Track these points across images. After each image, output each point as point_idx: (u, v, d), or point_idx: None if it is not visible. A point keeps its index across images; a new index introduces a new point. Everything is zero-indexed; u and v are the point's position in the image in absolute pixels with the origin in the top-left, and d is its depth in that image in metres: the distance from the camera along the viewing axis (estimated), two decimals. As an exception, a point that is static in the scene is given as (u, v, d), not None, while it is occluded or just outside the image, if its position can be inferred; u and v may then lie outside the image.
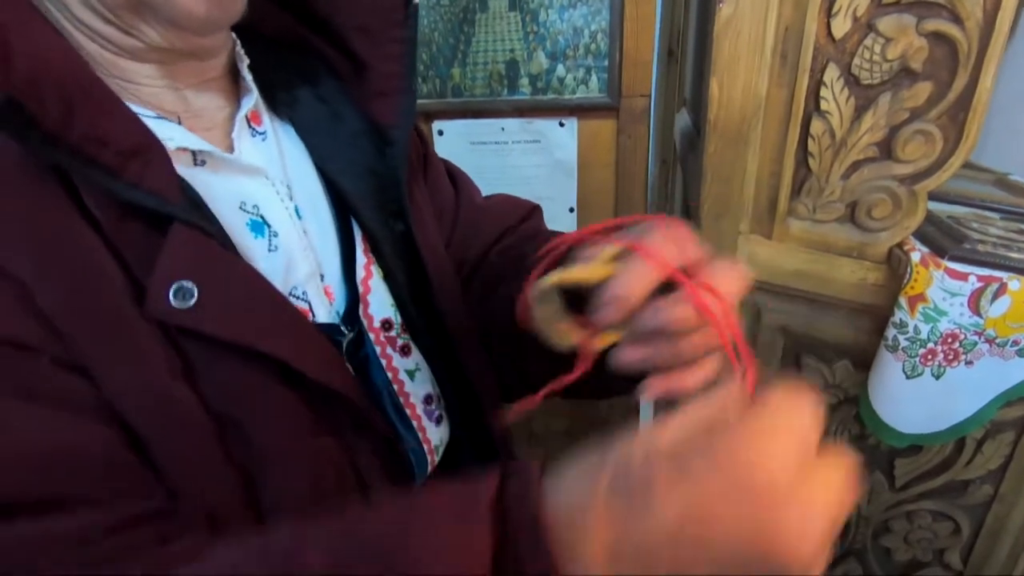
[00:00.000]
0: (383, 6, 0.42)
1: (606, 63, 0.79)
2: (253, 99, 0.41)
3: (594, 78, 0.80)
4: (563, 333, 0.31)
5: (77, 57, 0.31)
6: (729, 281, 0.28)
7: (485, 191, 0.60)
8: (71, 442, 0.29)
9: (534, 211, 0.59)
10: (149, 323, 0.30)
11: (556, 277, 0.30)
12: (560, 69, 0.81)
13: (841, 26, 0.54)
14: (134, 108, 0.34)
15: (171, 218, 0.31)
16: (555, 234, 0.56)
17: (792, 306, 0.66)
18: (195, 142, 0.36)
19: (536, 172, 0.88)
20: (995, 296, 0.55)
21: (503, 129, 0.86)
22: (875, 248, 0.61)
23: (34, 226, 0.29)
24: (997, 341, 0.57)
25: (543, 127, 0.86)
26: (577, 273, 0.30)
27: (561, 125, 0.85)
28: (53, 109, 0.28)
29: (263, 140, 0.41)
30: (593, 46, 0.78)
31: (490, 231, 0.55)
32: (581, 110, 0.83)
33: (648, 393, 0.30)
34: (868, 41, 0.54)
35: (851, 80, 0.56)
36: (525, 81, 0.82)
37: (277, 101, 0.43)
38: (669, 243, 0.28)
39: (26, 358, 0.29)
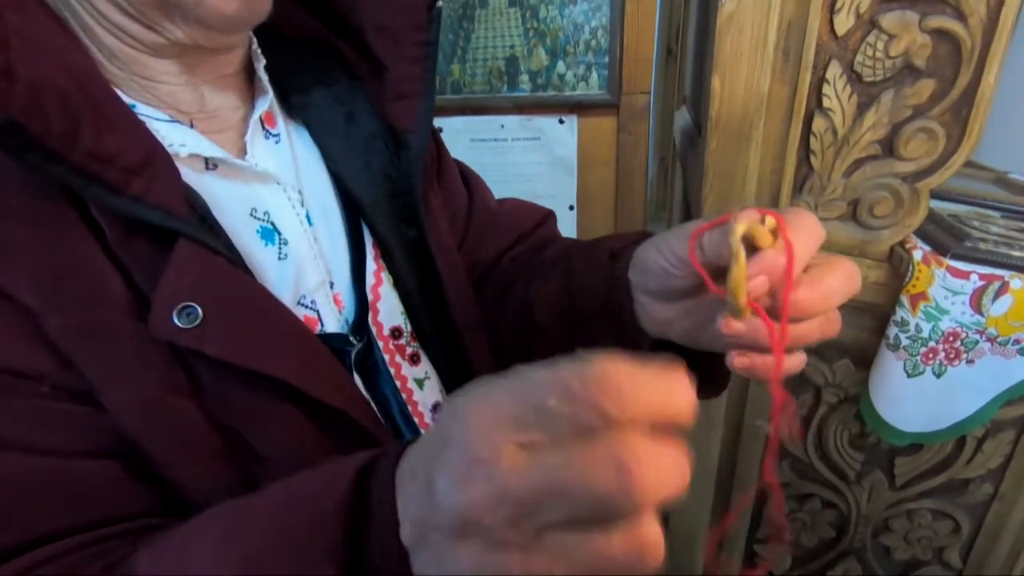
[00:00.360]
0: (406, 7, 0.42)
1: (606, 60, 0.78)
2: (268, 100, 0.40)
3: (594, 75, 0.80)
4: (743, 295, 0.27)
5: (86, 62, 0.31)
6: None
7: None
8: (65, 476, 0.29)
9: (548, 217, 0.58)
10: (154, 339, 0.30)
11: (748, 227, 0.27)
12: (560, 66, 0.80)
13: (844, 23, 0.54)
14: (148, 110, 0.34)
15: (177, 233, 0.30)
16: (569, 240, 0.55)
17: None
18: (208, 148, 0.35)
19: (536, 169, 0.87)
20: (997, 295, 0.55)
21: (503, 126, 0.86)
22: (877, 246, 0.61)
23: (38, 249, 0.29)
24: (999, 340, 0.57)
25: (543, 124, 0.85)
26: (760, 231, 0.27)
27: (561, 122, 0.85)
28: (56, 126, 0.27)
29: (276, 143, 0.41)
30: (593, 42, 0.77)
31: (503, 237, 0.55)
32: (581, 107, 0.83)
33: (737, 363, 0.29)
34: (871, 38, 0.54)
35: (853, 77, 0.56)
36: (525, 78, 0.82)
37: (291, 102, 0.42)
38: (805, 238, 0.28)
39: (25, 386, 0.29)
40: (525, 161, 0.87)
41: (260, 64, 0.40)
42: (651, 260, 0.35)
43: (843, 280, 0.28)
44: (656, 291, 0.36)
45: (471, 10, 0.79)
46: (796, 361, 0.29)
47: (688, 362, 0.33)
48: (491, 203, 0.57)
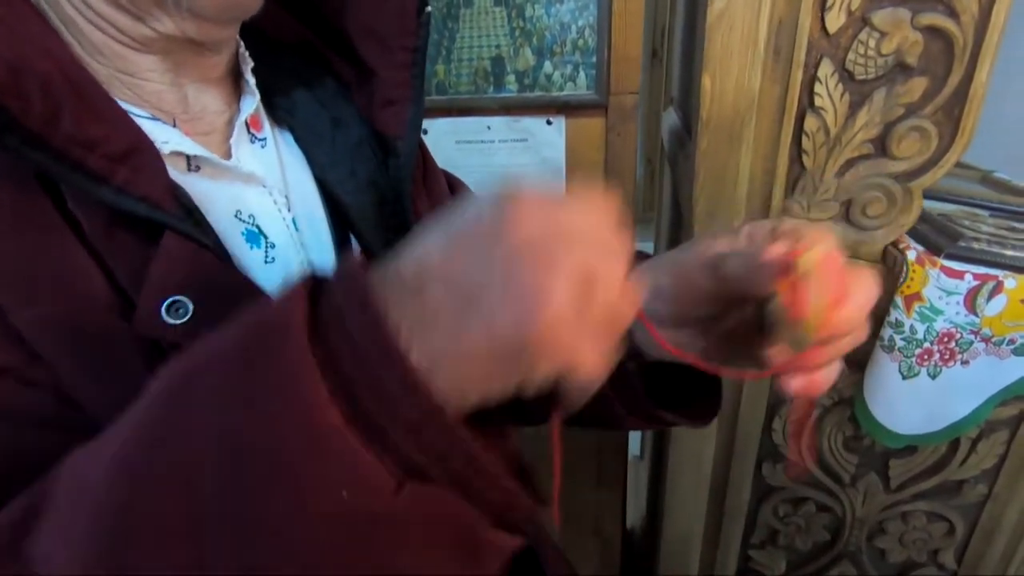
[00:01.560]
0: (395, 12, 0.41)
1: (594, 59, 0.77)
2: (254, 103, 0.39)
3: (582, 75, 0.78)
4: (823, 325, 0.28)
5: (68, 52, 0.30)
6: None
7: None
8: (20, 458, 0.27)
9: None
10: (137, 337, 0.29)
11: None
12: (547, 66, 0.79)
13: (835, 20, 0.53)
14: (131, 107, 0.33)
15: (163, 226, 0.29)
16: None
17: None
18: (191, 146, 0.34)
19: (523, 171, 0.86)
20: (991, 294, 0.55)
21: (489, 127, 0.84)
22: (870, 247, 0.60)
23: (11, 242, 0.28)
24: (993, 340, 0.56)
25: (530, 125, 0.84)
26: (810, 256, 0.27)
27: (548, 123, 0.84)
28: (36, 107, 0.26)
29: (262, 147, 0.40)
30: (581, 42, 0.76)
31: None
32: (569, 108, 0.81)
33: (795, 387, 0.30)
34: (863, 36, 0.53)
35: (845, 75, 0.55)
36: (511, 78, 0.80)
37: (276, 106, 0.41)
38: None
39: None
40: (512, 163, 0.85)
41: (247, 67, 0.39)
42: (667, 287, 0.34)
43: (870, 290, 0.29)
44: (669, 319, 0.35)
45: (455, 9, 0.77)
46: (836, 371, 0.31)
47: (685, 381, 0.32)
48: None
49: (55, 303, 0.28)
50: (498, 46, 0.79)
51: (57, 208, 0.28)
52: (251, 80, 0.39)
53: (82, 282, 0.28)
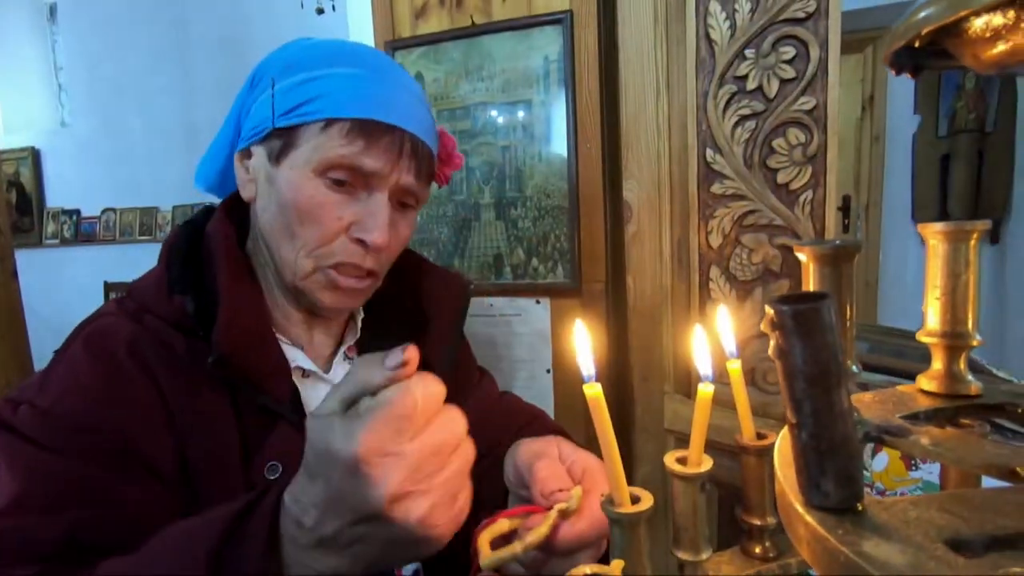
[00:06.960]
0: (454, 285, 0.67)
1: (569, 256, 1.00)
2: (354, 338, 0.64)
3: (560, 268, 1.01)
4: None
5: (265, 313, 0.56)
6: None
7: (479, 353, 0.77)
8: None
9: (535, 419, 0.70)
10: (244, 481, 0.49)
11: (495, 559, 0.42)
12: (534, 260, 1.03)
13: (716, 239, 0.73)
14: (279, 335, 0.57)
15: (280, 416, 0.51)
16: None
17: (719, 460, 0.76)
18: (307, 364, 0.57)
19: (519, 339, 1.05)
20: (873, 452, 0.65)
21: (491, 304, 1.06)
22: (775, 408, 0.72)
23: (202, 413, 0.51)
24: (886, 494, 0.65)
25: (523, 304, 1.05)
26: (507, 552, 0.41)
27: (537, 303, 1.05)
28: (240, 350, 0.50)
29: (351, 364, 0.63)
30: (558, 244, 1.00)
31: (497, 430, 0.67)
32: (552, 291, 1.03)
33: None
34: (737, 250, 0.72)
35: (731, 277, 0.73)
36: (507, 270, 1.04)
37: (369, 338, 0.64)
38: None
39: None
40: (511, 332, 1.05)
41: (360, 315, 0.65)
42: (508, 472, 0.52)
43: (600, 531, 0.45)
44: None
45: (469, 221, 1.05)
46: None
47: None
48: (494, 393, 0.74)
49: (208, 443, 0.49)
50: (498, 247, 1.04)
51: (228, 397, 0.51)
52: (359, 323, 0.64)
53: (226, 436, 0.50)
